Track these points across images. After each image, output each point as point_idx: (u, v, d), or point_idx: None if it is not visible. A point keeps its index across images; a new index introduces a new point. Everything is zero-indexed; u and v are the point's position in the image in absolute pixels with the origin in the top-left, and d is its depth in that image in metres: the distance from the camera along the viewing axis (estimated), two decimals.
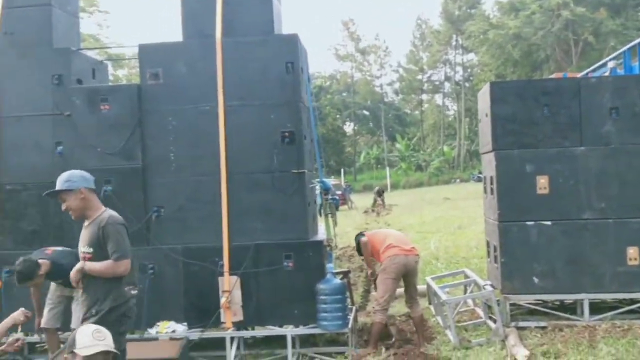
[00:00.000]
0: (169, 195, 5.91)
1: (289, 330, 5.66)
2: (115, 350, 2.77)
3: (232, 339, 5.64)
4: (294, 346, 5.65)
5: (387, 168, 50.55)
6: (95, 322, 3.48)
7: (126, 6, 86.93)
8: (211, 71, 5.83)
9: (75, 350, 2.62)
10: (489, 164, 6.51)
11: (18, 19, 6.19)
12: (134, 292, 4.08)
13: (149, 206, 5.90)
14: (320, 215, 6.61)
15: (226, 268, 5.71)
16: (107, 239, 3.74)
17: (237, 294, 5.70)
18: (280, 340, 5.75)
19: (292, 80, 5.82)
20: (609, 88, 6.08)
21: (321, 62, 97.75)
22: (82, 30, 7.31)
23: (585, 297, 6.01)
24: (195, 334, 5.60)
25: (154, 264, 5.81)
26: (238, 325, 5.74)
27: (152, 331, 5.63)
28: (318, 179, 6.52)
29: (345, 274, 6.44)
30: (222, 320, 5.71)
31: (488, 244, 6.81)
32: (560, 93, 6.12)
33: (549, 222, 6.07)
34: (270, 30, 5.97)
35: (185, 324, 5.71)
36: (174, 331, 5.60)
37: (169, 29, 69.67)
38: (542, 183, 6.06)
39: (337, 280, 5.76)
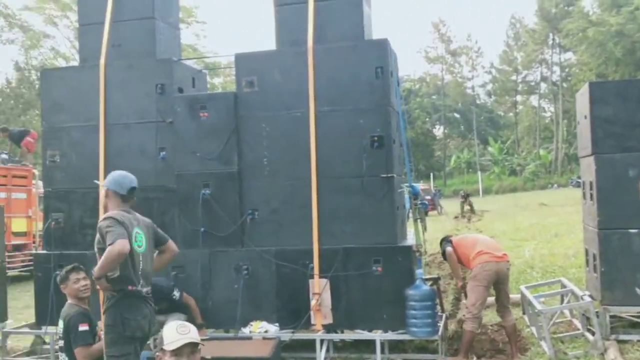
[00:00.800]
0: (263, 198, 6.09)
1: (378, 336, 5.66)
2: (201, 343, 2.85)
3: (321, 341, 5.72)
4: (382, 351, 5.65)
5: (479, 172, 49.18)
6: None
7: (222, 17, 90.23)
8: (303, 78, 5.97)
9: (164, 347, 2.72)
10: (588, 169, 6.22)
11: (125, 31, 6.62)
12: (131, 288, 3.84)
13: (244, 209, 6.11)
14: (409, 219, 6.57)
15: (316, 271, 5.81)
16: (103, 237, 3.77)
17: (327, 296, 5.79)
18: (369, 345, 5.77)
19: (382, 84, 5.85)
20: None
21: (411, 65, 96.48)
22: (182, 40, 7.66)
23: None
24: (287, 335, 5.73)
25: (248, 265, 6.01)
26: (328, 328, 5.82)
27: (246, 330, 5.81)
28: (407, 184, 6.49)
29: (435, 281, 6.36)
30: (313, 322, 5.82)
31: (587, 252, 6.49)
32: None
33: None
34: (361, 36, 6.04)
35: (277, 324, 5.84)
36: (266, 331, 5.75)
37: (264, 37, 71.41)
38: None
39: (427, 287, 5.70)
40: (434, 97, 61.63)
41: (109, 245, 3.65)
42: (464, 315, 6.05)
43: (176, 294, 5.70)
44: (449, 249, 5.98)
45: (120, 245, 3.64)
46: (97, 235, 3.86)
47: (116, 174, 4.24)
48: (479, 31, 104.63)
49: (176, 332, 2.76)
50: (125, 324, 3.79)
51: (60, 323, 4.24)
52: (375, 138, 5.79)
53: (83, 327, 4.13)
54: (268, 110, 6.10)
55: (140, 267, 3.92)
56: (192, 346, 2.75)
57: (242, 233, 6.09)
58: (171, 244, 4.34)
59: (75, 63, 31.88)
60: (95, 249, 3.89)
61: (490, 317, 6.79)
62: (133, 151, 6.47)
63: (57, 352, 4.57)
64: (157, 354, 2.77)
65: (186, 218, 6.20)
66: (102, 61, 6.59)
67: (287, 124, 6.07)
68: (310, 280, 5.83)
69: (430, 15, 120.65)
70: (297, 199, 5.98)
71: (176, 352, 2.70)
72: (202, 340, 2.88)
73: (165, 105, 6.36)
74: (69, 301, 4.34)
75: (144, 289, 3.93)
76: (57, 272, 4.94)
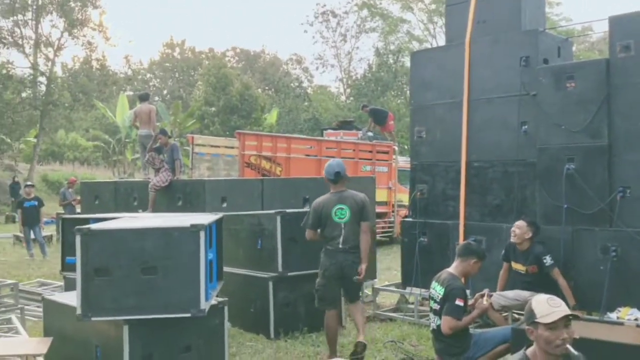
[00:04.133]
0: (636, 174, 5.57)
1: None
2: (578, 314, 2.79)
3: None
4: None
5: None
6: None
7: None
8: None
9: (537, 320, 2.72)
10: None
11: (490, 7, 6.74)
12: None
13: (613, 186, 5.68)
14: None
15: None
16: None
17: None
18: None
19: None
20: None
21: None
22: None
23: None
24: None
25: (616, 246, 5.59)
26: None
27: (612, 315, 5.45)
28: None
29: None
30: None
31: None
32: None
33: None
34: None
35: None
36: (636, 319, 5.31)
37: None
38: None
39: None
40: None
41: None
42: None
43: (548, 259, 5.56)
44: None
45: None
46: None
47: (327, 163, 5.56)
48: None
49: (548, 305, 2.77)
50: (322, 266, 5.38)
51: (439, 289, 4.65)
52: None
53: (459, 302, 4.48)
54: None
55: (343, 233, 5.31)
56: (566, 319, 2.74)
57: (610, 211, 5.69)
58: (365, 225, 5.41)
59: (429, 45, 33.66)
60: None
61: None
62: (494, 126, 6.59)
63: (427, 313, 5.03)
64: (528, 327, 2.81)
65: (547, 193, 6.07)
66: (467, 38, 6.84)
67: None
68: None
69: None
70: None
71: (551, 325, 2.71)
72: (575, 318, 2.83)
73: (529, 77, 6.28)
74: (454, 273, 4.69)
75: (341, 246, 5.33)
76: (474, 241, 5.54)
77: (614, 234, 5.64)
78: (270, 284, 6.02)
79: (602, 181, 5.75)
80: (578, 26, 26.80)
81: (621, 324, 4.96)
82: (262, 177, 10.33)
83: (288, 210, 6.20)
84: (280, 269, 6.04)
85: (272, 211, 6.27)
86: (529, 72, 6.30)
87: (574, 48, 9.25)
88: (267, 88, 46.81)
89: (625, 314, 5.40)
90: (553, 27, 8.33)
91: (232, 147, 12.02)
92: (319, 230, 5.46)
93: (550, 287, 5.36)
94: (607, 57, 5.89)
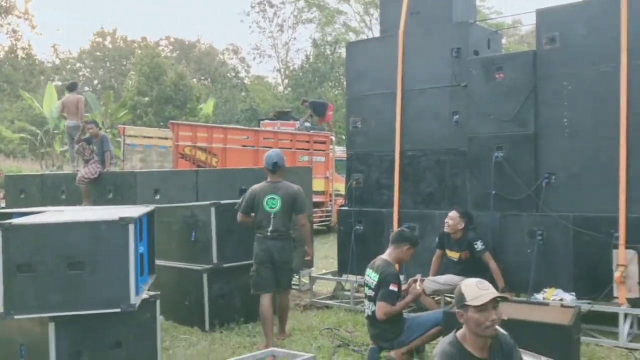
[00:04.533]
0: (561, 162, 5.81)
1: None
2: (506, 296, 2.89)
3: (625, 315, 5.31)
4: None
5: None
6: None
7: None
8: (614, 29, 5.46)
9: (467, 303, 2.80)
10: None
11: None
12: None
13: (539, 173, 5.91)
14: None
15: (622, 241, 5.35)
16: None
17: (635, 269, 5.30)
18: None
19: None
20: None
21: None
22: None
23: None
24: (585, 306, 5.45)
25: (542, 230, 5.83)
26: (633, 303, 5.34)
27: (539, 297, 5.67)
28: None
29: None
30: (615, 295, 5.41)
31: None
32: None
33: None
34: None
35: (574, 294, 5.58)
36: (561, 300, 5.55)
37: None
38: None
39: None
40: None
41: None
42: None
43: (479, 245, 5.75)
44: None
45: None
46: None
47: (267, 153, 5.70)
48: None
49: (477, 288, 2.85)
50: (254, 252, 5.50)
51: (374, 275, 4.71)
52: None
53: (393, 288, 4.56)
54: (571, 67, 5.74)
55: (272, 223, 5.40)
56: (495, 302, 2.82)
57: (537, 197, 5.92)
58: (301, 217, 5.57)
59: (365, 37, 33.92)
60: None
61: None
62: (427, 116, 6.72)
63: (363, 300, 5.10)
64: (459, 310, 2.88)
65: (477, 181, 6.27)
66: (401, 30, 6.92)
67: (592, 81, 5.64)
68: (615, 251, 5.40)
69: None
70: (602, 162, 5.57)
71: (481, 307, 2.78)
72: (503, 300, 2.91)
73: (461, 68, 6.43)
74: (388, 259, 4.78)
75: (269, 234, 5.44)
76: (408, 229, 5.62)
77: (540, 219, 5.88)
78: (205, 276, 5.93)
79: (529, 169, 5.98)
80: (508, 19, 27.79)
81: (547, 304, 5.18)
82: (197, 169, 10.15)
83: (223, 202, 6.11)
84: (215, 260, 5.96)
85: (207, 203, 6.17)
86: (460, 64, 6.45)
87: (504, 41, 9.56)
88: (203, 78, 46.03)
89: (551, 294, 5.63)
90: (484, 20, 8.56)
91: (166, 139, 11.75)
92: (252, 215, 5.56)
93: (482, 272, 5.55)
94: (535, 49, 6.10)
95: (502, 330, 2.98)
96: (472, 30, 6.57)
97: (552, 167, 5.87)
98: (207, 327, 5.89)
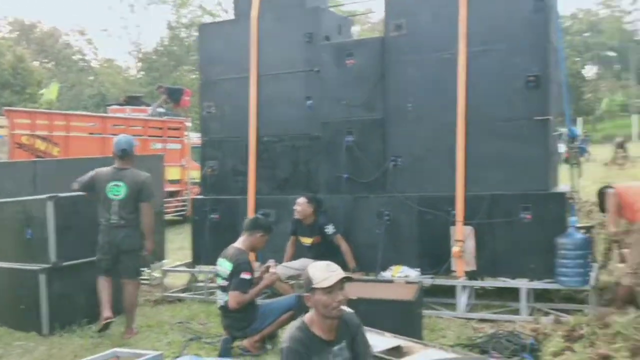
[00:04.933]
0: (406, 145, 6.06)
1: (523, 284, 5.51)
2: (352, 277, 2.97)
3: (463, 287, 5.69)
4: (527, 300, 5.52)
5: (634, 115, 44.79)
6: None
7: None
8: (455, 17, 5.75)
9: (314, 286, 2.83)
10: None
11: None
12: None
13: (387, 156, 6.13)
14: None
15: (459, 217, 5.73)
16: None
17: (471, 244, 5.70)
18: (512, 293, 5.66)
19: (541, 19, 5.49)
20: None
21: (563, 1, 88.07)
22: None
23: None
24: (428, 280, 5.76)
25: (389, 211, 6.08)
26: (470, 275, 5.76)
27: (386, 274, 5.89)
28: (563, 127, 6.12)
29: (589, 229, 6.02)
30: (453, 268, 5.78)
31: None
32: None
33: None
34: None
35: (419, 269, 5.85)
36: (406, 276, 5.82)
37: None
38: None
39: (581, 235, 5.42)
40: (586, 34, 56.44)
41: None
42: (622, 269, 5.69)
43: (330, 228, 5.83)
44: (610, 190, 5.60)
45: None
46: None
47: (117, 138, 5.53)
48: None
49: (325, 271, 2.88)
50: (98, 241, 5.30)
51: (227, 264, 4.60)
52: (531, 78, 5.48)
53: (245, 275, 4.49)
54: (416, 53, 5.99)
55: (115, 210, 5.20)
56: (341, 282, 2.87)
57: (384, 179, 6.15)
58: (144, 206, 5.31)
59: (221, 19, 33.22)
60: None
61: None
62: (282, 101, 6.68)
63: (214, 290, 4.99)
64: (307, 294, 2.90)
65: (330, 165, 6.38)
66: (253, 13, 6.79)
67: (435, 67, 5.93)
68: (452, 227, 5.78)
69: None
70: (443, 144, 5.88)
71: (328, 289, 2.82)
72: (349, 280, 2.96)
73: (313, 54, 6.47)
74: (241, 247, 4.68)
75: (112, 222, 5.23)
76: (263, 215, 5.58)
77: (387, 199, 6.11)
78: (42, 276, 5.43)
79: (378, 152, 6.19)
80: (360, 7, 28.68)
81: (392, 281, 5.41)
82: (35, 159, 9.33)
83: (62, 195, 5.60)
84: (53, 259, 5.47)
85: (43, 196, 5.62)
86: (313, 49, 6.48)
87: (358, 29, 9.74)
88: (45, 61, 42.47)
89: (397, 271, 5.87)
90: (335, 6, 8.69)
91: (1, 127, 10.65)
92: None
93: (335, 254, 5.67)
94: (384, 36, 6.26)
95: (348, 310, 3.03)
96: (323, 16, 6.62)
97: (398, 150, 6.10)
98: (46, 330, 5.41)
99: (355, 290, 4.27)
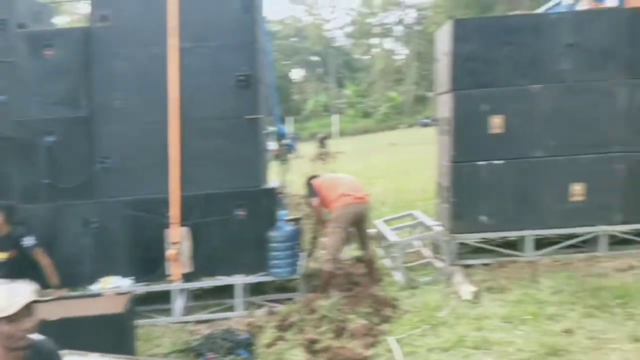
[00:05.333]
0: (115, 145, 5.70)
1: (236, 280, 5.65)
2: (41, 299, 2.61)
3: (181, 291, 5.61)
4: (244, 295, 5.66)
5: (334, 115, 50.35)
6: None
7: None
8: (164, 11, 5.57)
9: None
10: (444, 105, 6.50)
11: None
12: None
13: (95, 157, 5.70)
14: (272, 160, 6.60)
15: (174, 219, 5.61)
16: None
17: (186, 245, 5.63)
18: (229, 290, 5.75)
19: (249, 20, 5.63)
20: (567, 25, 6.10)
21: (273, 6, 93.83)
22: None
23: (529, 234, 6.26)
24: (142, 288, 5.54)
25: (98, 217, 5.67)
26: (187, 277, 5.68)
27: (94, 288, 5.51)
28: (273, 126, 6.44)
29: (297, 220, 6.47)
30: (168, 272, 5.63)
31: (440, 185, 6.86)
32: (522, 30, 6.09)
33: (500, 162, 6.19)
34: None
35: (133, 278, 5.62)
36: (118, 286, 5.48)
37: None
38: (497, 123, 6.12)
39: (289, 227, 5.77)
40: (293, 39, 61.23)
41: None
42: (323, 256, 6.22)
43: (26, 241, 5.17)
44: (313, 180, 6.13)
45: None
46: None
47: None
48: None
49: (8, 296, 2.45)
50: None
51: None
52: (241, 77, 5.59)
53: None
54: (123, 47, 5.65)
55: None
56: (28, 307, 2.48)
57: (92, 184, 5.69)
58: None
59: None
60: None
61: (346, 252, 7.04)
62: None
63: None
64: None
65: (26, 169, 5.68)
66: None
67: (144, 62, 5.66)
68: (166, 230, 5.62)
69: None
70: (154, 144, 5.66)
71: (12, 317, 2.41)
72: (47, 300, 2.64)
73: (6, 43, 5.69)
74: None
75: None
76: None
77: (95, 205, 5.69)
78: None
79: (85, 153, 5.69)
80: None
81: (99, 295, 5.01)
82: None
83: None
84: None
85: None
86: (6, 37, 5.72)
87: (67, 20, 8.83)
88: None
89: (106, 283, 5.53)
90: None
91: None
92: None
93: (34, 270, 5.04)
94: (87, 26, 5.79)
95: (40, 337, 2.65)
96: (17, 1, 5.86)
97: (106, 151, 5.71)
98: None
99: (58, 310, 3.83)
